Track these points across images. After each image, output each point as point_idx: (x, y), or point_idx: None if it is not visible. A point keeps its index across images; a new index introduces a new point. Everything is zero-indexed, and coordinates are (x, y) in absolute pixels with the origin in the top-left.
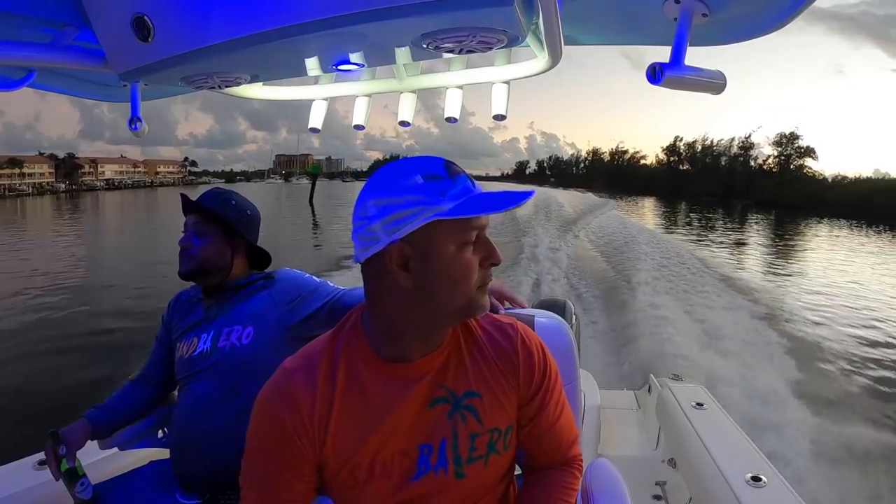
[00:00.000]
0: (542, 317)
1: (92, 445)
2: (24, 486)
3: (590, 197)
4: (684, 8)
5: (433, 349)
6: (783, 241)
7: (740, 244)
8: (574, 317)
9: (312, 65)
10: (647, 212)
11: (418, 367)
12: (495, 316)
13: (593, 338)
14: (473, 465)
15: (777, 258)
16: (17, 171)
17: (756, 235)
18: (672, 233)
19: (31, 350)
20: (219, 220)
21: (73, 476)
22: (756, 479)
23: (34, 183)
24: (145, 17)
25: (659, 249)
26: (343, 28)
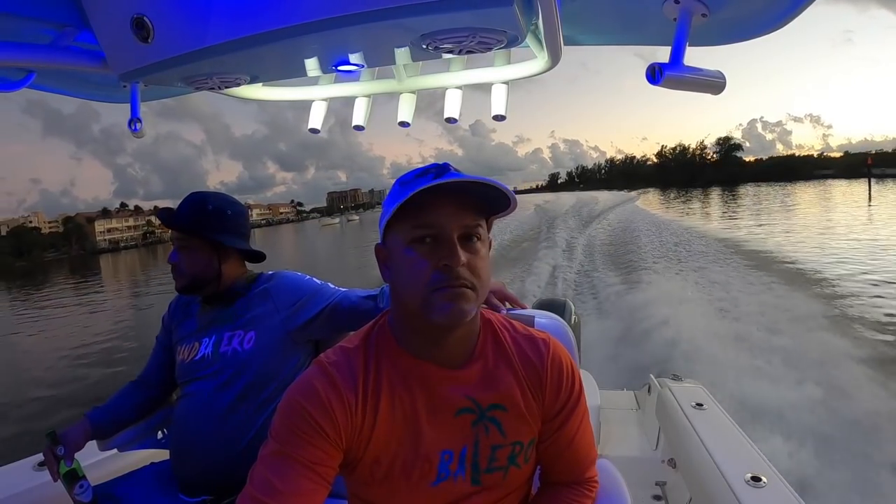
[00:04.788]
0: (542, 317)
1: (91, 446)
2: (23, 486)
3: (623, 194)
4: (684, 8)
5: (461, 360)
6: (722, 200)
7: (697, 207)
8: (574, 317)
9: (312, 65)
10: (649, 198)
11: (447, 376)
12: (532, 330)
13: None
14: (492, 475)
15: (723, 210)
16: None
17: (707, 201)
18: (666, 209)
19: None
20: (196, 233)
21: (72, 478)
22: (756, 479)
23: None
24: (145, 18)
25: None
26: (343, 28)
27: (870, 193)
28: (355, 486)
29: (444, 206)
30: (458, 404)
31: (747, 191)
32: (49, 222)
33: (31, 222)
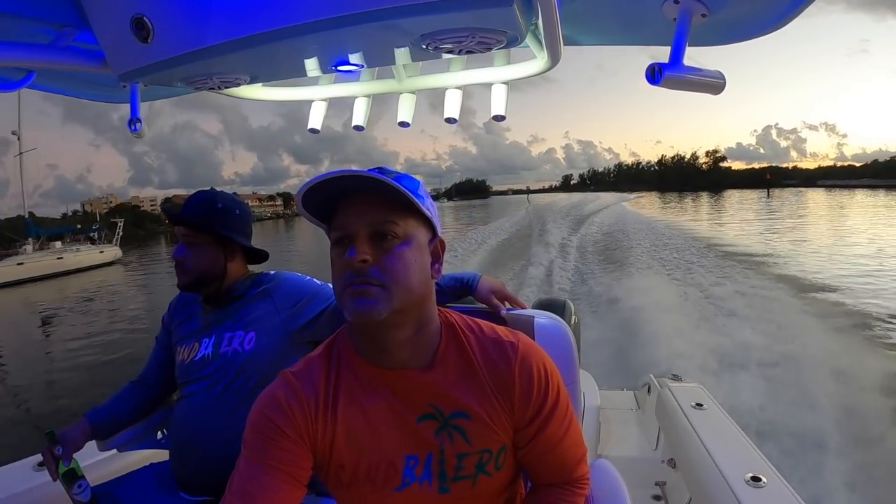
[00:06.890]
0: (542, 317)
1: (91, 447)
2: (23, 486)
3: (623, 195)
4: (683, 8)
5: (420, 364)
6: (709, 202)
7: (676, 207)
8: (574, 317)
9: (312, 65)
10: (644, 199)
11: (406, 381)
12: (501, 332)
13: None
14: (459, 483)
15: (709, 210)
16: (266, 203)
17: (698, 202)
18: (664, 208)
19: None
20: (207, 230)
21: (71, 477)
22: (756, 479)
23: (275, 211)
24: (145, 18)
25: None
26: (343, 28)
27: (768, 194)
28: (331, 490)
29: (354, 207)
30: (419, 410)
31: (721, 195)
32: (121, 203)
33: (109, 202)
